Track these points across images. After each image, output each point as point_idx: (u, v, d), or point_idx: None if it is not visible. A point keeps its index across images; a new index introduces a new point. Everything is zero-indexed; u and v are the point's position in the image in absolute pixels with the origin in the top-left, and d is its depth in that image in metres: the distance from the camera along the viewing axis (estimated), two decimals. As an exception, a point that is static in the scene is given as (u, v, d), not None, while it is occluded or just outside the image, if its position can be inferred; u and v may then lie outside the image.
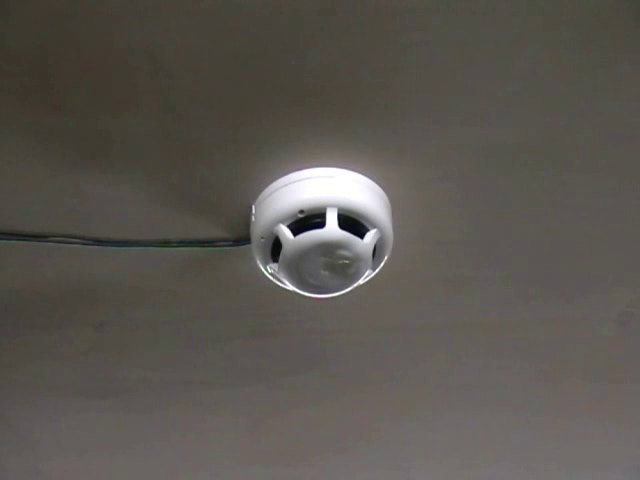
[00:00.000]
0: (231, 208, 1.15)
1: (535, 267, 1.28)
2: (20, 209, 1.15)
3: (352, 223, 1.08)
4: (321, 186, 1.08)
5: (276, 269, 1.13)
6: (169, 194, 1.13)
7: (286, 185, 1.09)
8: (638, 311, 1.38)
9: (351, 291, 1.16)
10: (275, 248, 1.11)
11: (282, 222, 1.08)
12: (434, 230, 1.20)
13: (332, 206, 1.07)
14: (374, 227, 1.09)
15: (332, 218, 1.07)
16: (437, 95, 1.01)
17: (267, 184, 1.10)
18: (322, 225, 1.07)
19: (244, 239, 1.17)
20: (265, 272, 1.16)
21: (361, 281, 1.16)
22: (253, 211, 1.13)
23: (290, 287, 1.15)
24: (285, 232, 1.08)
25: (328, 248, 1.08)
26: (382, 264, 1.16)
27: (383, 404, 1.60)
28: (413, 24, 0.93)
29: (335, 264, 1.10)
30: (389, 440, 1.71)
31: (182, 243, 1.20)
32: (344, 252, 1.08)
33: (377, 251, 1.13)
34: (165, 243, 1.20)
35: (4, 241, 1.17)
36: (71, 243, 1.18)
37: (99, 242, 1.19)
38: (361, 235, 1.09)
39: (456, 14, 0.92)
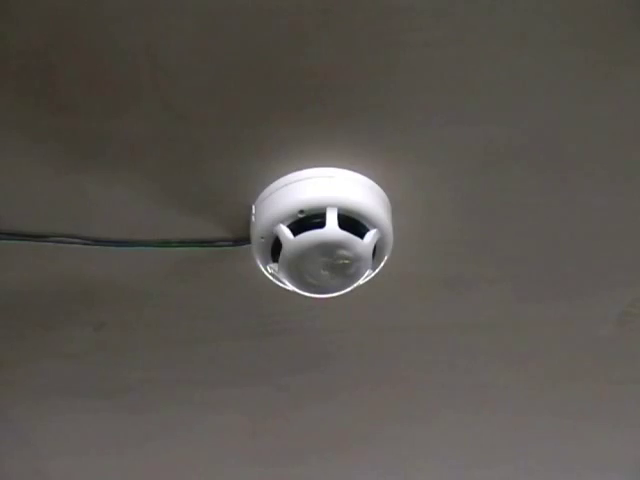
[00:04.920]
0: (231, 208, 1.15)
1: (535, 267, 1.28)
2: (20, 209, 1.15)
3: (352, 223, 1.08)
4: (321, 186, 1.08)
5: (276, 269, 1.13)
6: (169, 194, 1.13)
7: (286, 185, 1.09)
8: (638, 311, 1.38)
9: (351, 291, 1.16)
10: (275, 248, 1.11)
11: (282, 222, 1.08)
12: (434, 230, 1.20)
13: (332, 206, 1.07)
14: (374, 227, 1.09)
15: (332, 218, 1.07)
16: (437, 95, 1.01)
17: (267, 184, 1.10)
18: (322, 225, 1.07)
19: (244, 239, 1.17)
20: (265, 272, 1.16)
21: (361, 281, 1.16)
22: (253, 211, 1.13)
23: (290, 287, 1.15)
24: (285, 232, 1.08)
25: (328, 248, 1.08)
26: (382, 264, 1.16)
27: (383, 404, 1.60)
28: (413, 24, 0.93)
29: (335, 264, 1.10)
30: (389, 440, 1.71)
31: (182, 243, 1.20)
32: (344, 252, 1.08)
33: (377, 251, 1.13)
34: (165, 243, 1.20)
35: (4, 241, 1.17)
36: (71, 243, 1.18)
37: (99, 242, 1.19)
38: (361, 235, 1.09)
39: (456, 14, 0.92)
